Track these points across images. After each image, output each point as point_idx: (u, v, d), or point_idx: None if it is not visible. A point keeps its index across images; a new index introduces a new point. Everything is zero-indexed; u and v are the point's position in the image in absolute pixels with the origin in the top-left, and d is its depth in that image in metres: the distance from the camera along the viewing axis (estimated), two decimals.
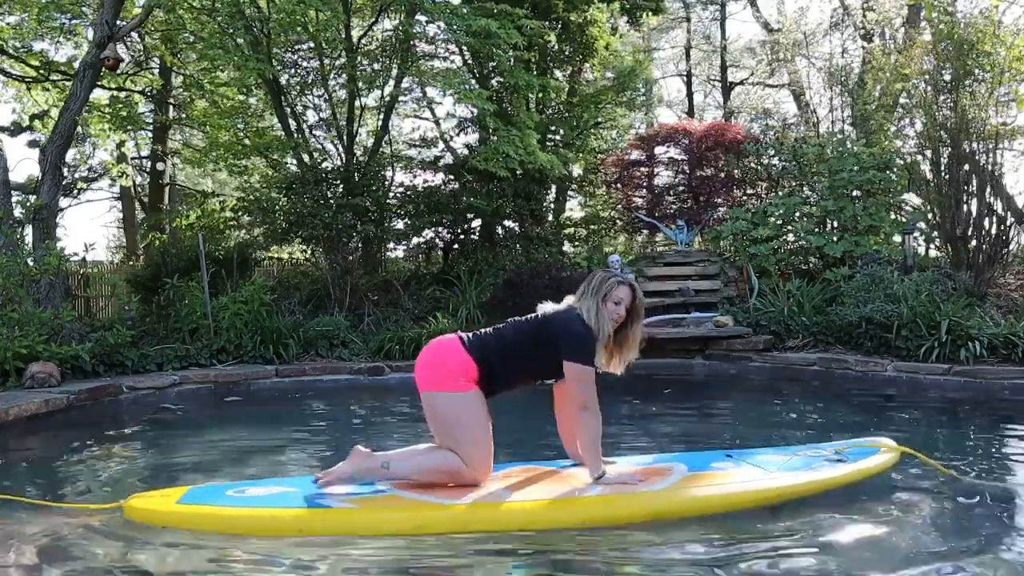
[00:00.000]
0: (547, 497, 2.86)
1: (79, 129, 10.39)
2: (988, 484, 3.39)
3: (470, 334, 3.13)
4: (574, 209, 14.77)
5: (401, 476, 2.97)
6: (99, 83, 9.29)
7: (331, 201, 9.37)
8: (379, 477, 2.99)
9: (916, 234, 8.48)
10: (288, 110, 10.35)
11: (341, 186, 9.72)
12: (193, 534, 2.75)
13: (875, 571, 2.46)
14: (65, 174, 12.01)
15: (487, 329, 3.18)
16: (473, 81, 10.39)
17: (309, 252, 10.28)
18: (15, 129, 15.34)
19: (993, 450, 4.23)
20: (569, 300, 3.19)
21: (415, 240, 10.80)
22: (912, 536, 2.77)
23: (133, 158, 16.57)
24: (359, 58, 10.02)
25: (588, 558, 2.64)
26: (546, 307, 3.20)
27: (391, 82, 10.54)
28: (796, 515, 2.89)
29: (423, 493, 2.88)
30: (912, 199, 9.38)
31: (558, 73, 11.91)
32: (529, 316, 3.21)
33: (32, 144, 16.10)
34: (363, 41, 10.47)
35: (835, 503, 3.01)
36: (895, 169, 9.01)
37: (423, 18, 9.93)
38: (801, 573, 2.46)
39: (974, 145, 7.64)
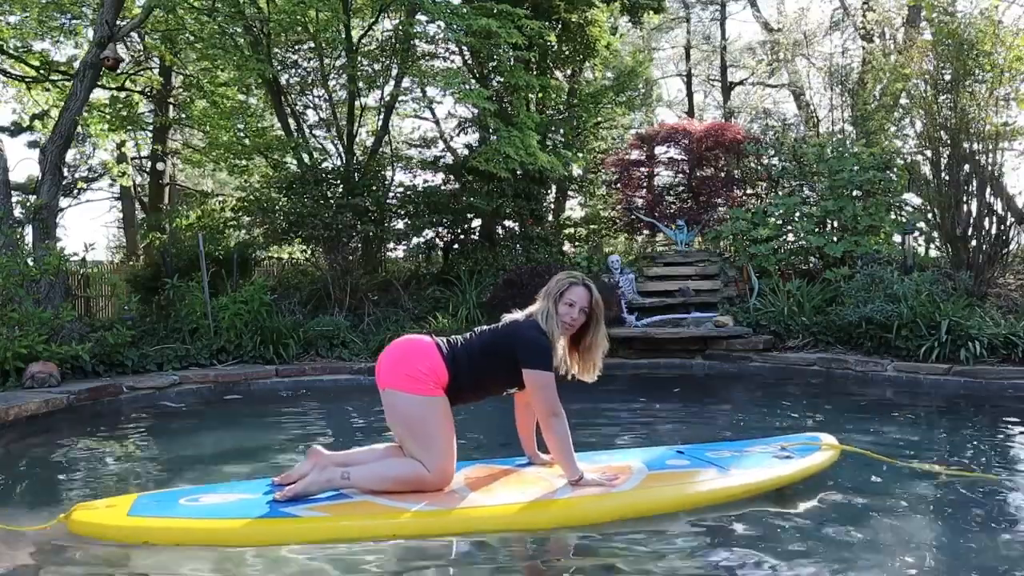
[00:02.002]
0: (520, 500, 2.84)
1: (79, 129, 10.39)
2: (985, 483, 3.39)
3: (443, 340, 3.06)
4: (574, 209, 14.78)
5: (362, 486, 2.88)
6: (99, 83, 9.28)
7: (331, 201, 9.37)
8: (339, 488, 2.90)
9: (916, 234, 8.48)
10: (288, 110, 10.35)
11: (341, 186, 9.72)
12: (145, 549, 2.60)
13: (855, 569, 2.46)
14: (65, 174, 11.99)
15: (458, 337, 3.12)
16: (473, 81, 10.38)
17: (309, 252, 10.28)
18: (15, 129, 15.35)
19: (992, 450, 4.23)
20: (532, 307, 3.15)
21: (415, 240, 10.79)
22: (893, 534, 2.78)
23: (133, 158, 16.56)
24: (359, 58, 10.01)
25: (560, 559, 2.65)
26: (508, 316, 3.16)
27: (391, 82, 10.54)
28: (751, 512, 2.93)
29: (394, 499, 2.81)
30: (912, 199, 9.38)
31: (558, 73, 11.90)
32: (494, 325, 3.17)
33: (32, 144, 16.10)
34: (363, 41, 10.47)
35: (794, 495, 3.08)
36: (895, 169, 9.01)
37: (423, 18, 9.93)
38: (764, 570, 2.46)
39: (974, 145, 7.64)
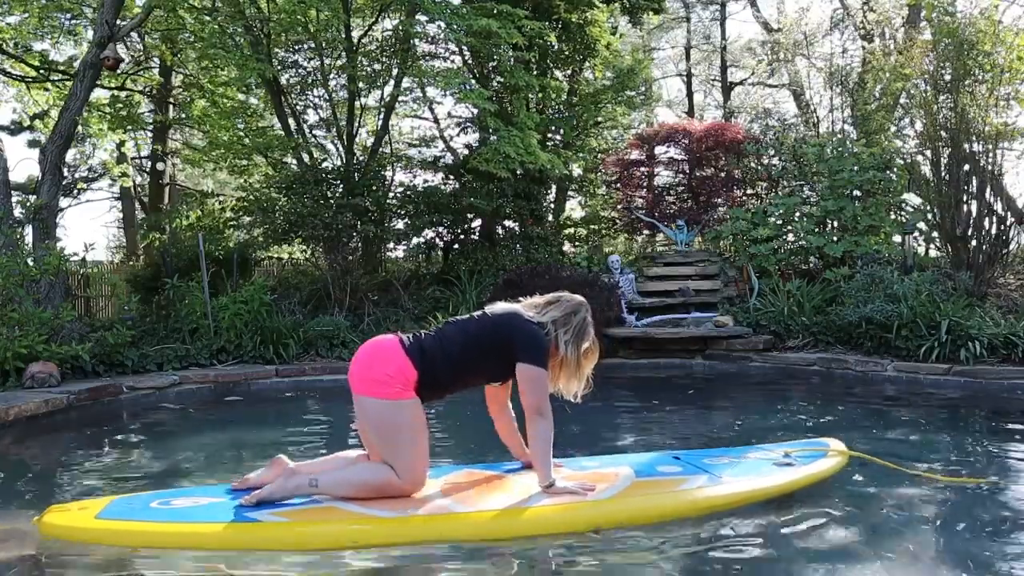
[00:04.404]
0: (492, 508, 2.76)
1: (79, 129, 10.39)
2: (983, 485, 3.39)
3: (410, 336, 2.97)
4: (574, 209, 14.78)
5: (330, 493, 2.82)
6: (99, 83, 9.28)
7: (331, 201, 9.37)
8: (308, 495, 2.83)
9: (916, 234, 8.48)
10: (288, 110, 10.35)
11: (341, 186, 9.72)
12: (113, 551, 2.59)
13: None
14: (65, 174, 11.99)
15: (426, 332, 3.02)
16: (473, 81, 10.39)
17: (309, 252, 10.28)
18: (15, 129, 15.36)
19: (992, 450, 4.23)
20: (528, 307, 3.06)
21: (415, 240, 10.79)
22: (880, 535, 2.75)
23: (133, 158, 16.57)
24: (359, 58, 10.02)
25: (534, 568, 2.60)
26: (495, 307, 3.07)
27: (391, 82, 10.54)
28: (749, 520, 2.84)
29: (361, 505, 2.75)
30: (912, 199, 9.38)
31: (558, 73, 11.90)
32: (475, 315, 3.06)
33: (32, 144, 16.12)
34: (363, 41, 10.47)
35: (793, 503, 2.98)
36: (895, 169, 9.01)
37: (423, 18, 9.93)
38: None
39: (974, 145, 7.64)
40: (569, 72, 12.09)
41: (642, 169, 11.58)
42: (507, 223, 11.19)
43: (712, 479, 3.01)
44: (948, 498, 3.20)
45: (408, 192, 10.57)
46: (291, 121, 10.38)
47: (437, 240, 11.02)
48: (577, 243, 12.79)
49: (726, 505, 2.89)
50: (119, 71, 10.12)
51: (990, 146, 7.57)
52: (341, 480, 2.85)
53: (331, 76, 10.52)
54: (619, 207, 11.96)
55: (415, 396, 2.86)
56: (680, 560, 2.56)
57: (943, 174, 7.86)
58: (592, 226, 13.03)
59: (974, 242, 7.65)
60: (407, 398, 2.84)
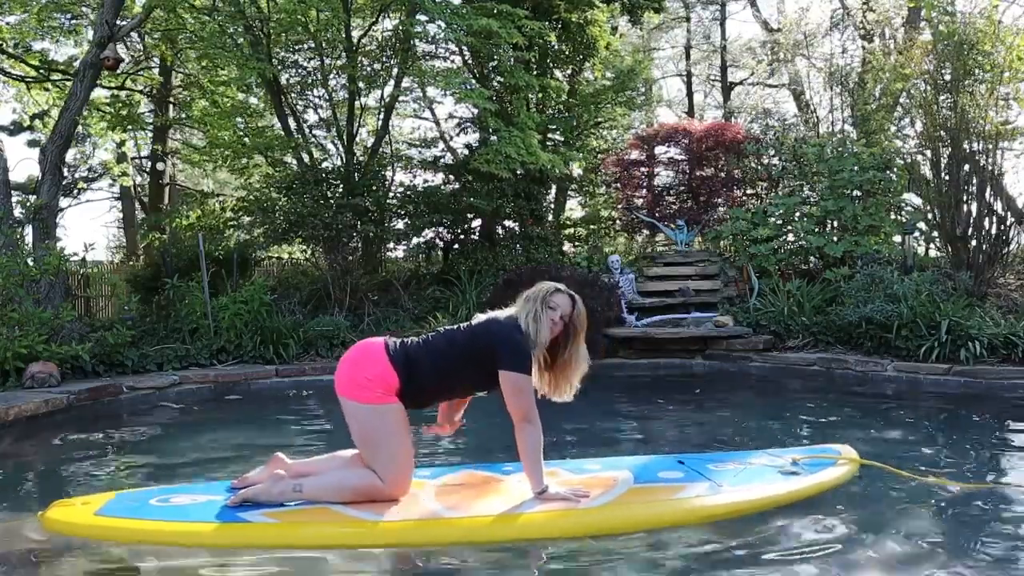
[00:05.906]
0: (483, 514, 2.74)
1: (79, 129, 10.39)
2: (982, 486, 3.38)
3: (397, 342, 2.96)
4: (574, 209, 14.77)
5: (315, 498, 2.81)
6: (99, 83, 9.28)
7: (331, 201, 9.37)
8: (292, 500, 2.82)
9: (916, 234, 8.48)
10: (288, 110, 10.34)
11: (341, 186, 9.72)
12: (110, 548, 2.64)
13: None
14: (65, 174, 11.99)
15: (414, 338, 3.01)
16: (473, 81, 10.39)
17: (309, 252, 10.28)
18: (15, 129, 15.35)
19: (991, 451, 4.23)
20: (509, 311, 3.04)
21: (415, 240, 10.79)
22: (891, 546, 2.71)
23: (133, 158, 16.57)
24: (359, 58, 10.02)
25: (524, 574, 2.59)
26: (480, 317, 3.06)
27: (391, 82, 10.54)
28: (748, 524, 2.81)
29: (351, 508, 2.76)
30: (912, 199, 9.38)
31: (558, 73, 11.89)
32: (462, 325, 3.05)
33: (32, 144, 16.11)
34: (363, 41, 10.47)
35: (797, 514, 2.93)
36: (895, 169, 9.01)
37: (423, 18, 9.92)
38: None
39: (974, 145, 7.64)
40: (569, 72, 12.07)
41: (642, 169, 11.57)
42: (507, 223, 11.18)
43: (713, 487, 2.95)
44: (952, 502, 3.17)
45: (408, 192, 10.56)
46: (291, 121, 10.37)
47: (437, 240, 11.02)
48: (577, 243, 12.78)
49: (725, 515, 2.84)
50: (119, 71, 10.12)
51: (990, 146, 7.57)
52: (325, 485, 2.85)
53: (331, 76, 10.52)
54: (619, 207, 11.95)
55: (397, 401, 2.86)
56: (676, 566, 2.55)
57: (943, 174, 7.85)
58: (592, 226, 13.02)
59: (974, 242, 7.65)
60: (388, 403, 2.83)
